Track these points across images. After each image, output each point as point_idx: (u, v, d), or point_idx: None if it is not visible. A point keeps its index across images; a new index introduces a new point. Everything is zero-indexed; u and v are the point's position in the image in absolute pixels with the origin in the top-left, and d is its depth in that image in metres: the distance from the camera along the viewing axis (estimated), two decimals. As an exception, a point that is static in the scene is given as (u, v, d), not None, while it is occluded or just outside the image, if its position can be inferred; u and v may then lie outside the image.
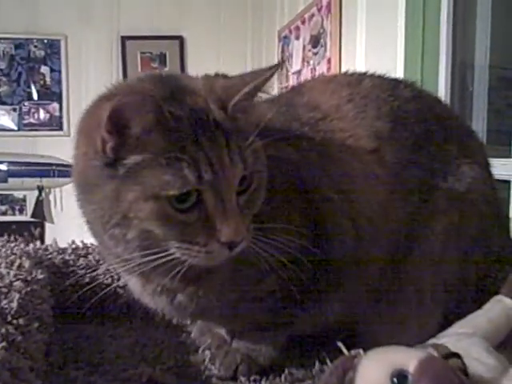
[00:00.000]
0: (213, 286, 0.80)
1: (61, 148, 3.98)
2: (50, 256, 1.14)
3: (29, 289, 0.83)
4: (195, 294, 0.80)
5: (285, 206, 0.83)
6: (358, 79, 1.02)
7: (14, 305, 0.78)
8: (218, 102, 0.74)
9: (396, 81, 1.06)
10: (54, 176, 4.17)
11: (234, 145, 0.71)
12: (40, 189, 4.26)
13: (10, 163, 4.22)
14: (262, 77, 0.77)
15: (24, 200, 4.33)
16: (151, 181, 0.68)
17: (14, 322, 0.74)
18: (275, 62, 4.19)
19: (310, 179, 0.86)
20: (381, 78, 1.05)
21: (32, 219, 4.24)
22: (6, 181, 4.18)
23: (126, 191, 0.68)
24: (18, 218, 4.27)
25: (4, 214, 4.29)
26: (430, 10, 2.36)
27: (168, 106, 0.69)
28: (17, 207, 4.33)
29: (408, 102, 0.98)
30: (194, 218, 0.70)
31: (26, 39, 4.41)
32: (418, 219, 0.91)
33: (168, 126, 0.68)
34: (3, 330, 0.70)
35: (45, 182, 4.24)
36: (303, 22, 3.58)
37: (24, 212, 4.32)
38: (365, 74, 1.05)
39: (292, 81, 3.81)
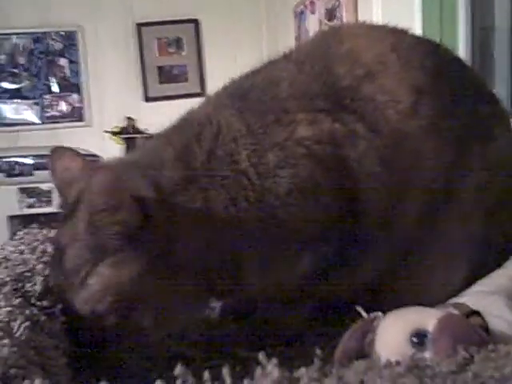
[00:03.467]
0: None
1: (83, 139, 4.03)
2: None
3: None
4: None
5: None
6: (402, 30, 1.03)
7: (38, 287, 0.79)
8: None
9: (436, 43, 1.09)
10: (78, 166, 4.20)
11: None
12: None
13: (35, 156, 4.27)
14: None
15: (50, 192, 4.40)
16: None
17: (38, 303, 0.76)
18: (292, 39, 4.15)
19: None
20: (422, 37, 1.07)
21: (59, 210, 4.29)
22: (32, 174, 4.24)
23: None
24: (46, 209, 4.33)
25: (32, 206, 4.36)
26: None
27: None
28: (44, 199, 4.40)
29: (448, 62, 1.02)
30: None
31: (44, 33, 4.44)
32: (453, 173, 0.91)
33: None
34: (27, 312, 0.71)
35: (70, 172, 4.28)
36: (317, -4, 3.53)
37: (51, 203, 4.38)
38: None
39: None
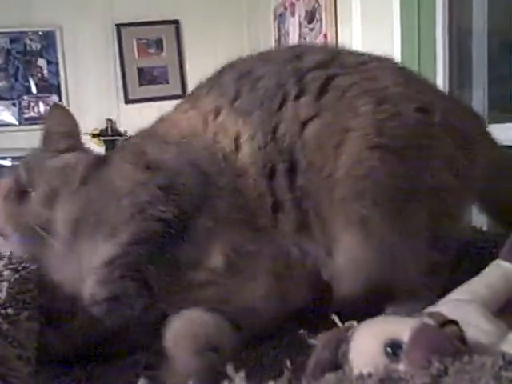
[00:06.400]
0: None
1: (62, 140, 3.97)
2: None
3: (17, 276, 0.82)
4: None
5: None
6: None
7: (2, 294, 0.76)
8: None
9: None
10: (57, 169, 4.15)
11: None
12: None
13: (14, 158, 4.21)
14: None
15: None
16: None
17: (2, 311, 0.73)
18: (272, 41, 4.14)
19: None
20: None
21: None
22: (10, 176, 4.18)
23: None
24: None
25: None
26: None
27: None
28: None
29: None
30: None
31: (21, 32, 4.39)
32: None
33: None
34: (-11, 320, 0.68)
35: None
36: (297, -2, 3.53)
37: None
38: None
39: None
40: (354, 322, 0.63)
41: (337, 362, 0.60)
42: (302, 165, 0.85)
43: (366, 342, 0.59)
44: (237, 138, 0.88)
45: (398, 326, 0.59)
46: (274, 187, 0.86)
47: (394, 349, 0.57)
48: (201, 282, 0.83)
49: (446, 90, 2.23)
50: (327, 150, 0.85)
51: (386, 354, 0.57)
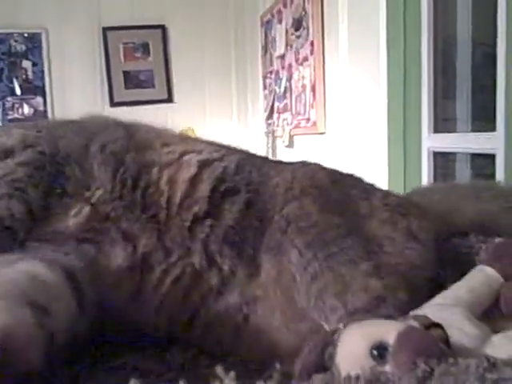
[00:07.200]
0: None
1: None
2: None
3: None
4: None
5: None
6: None
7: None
8: None
9: None
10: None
11: None
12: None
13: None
14: None
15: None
16: None
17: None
18: (259, 47, 4.16)
19: None
20: None
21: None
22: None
23: None
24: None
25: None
26: (411, -13, 2.34)
27: None
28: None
29: None
30: None
31: (7, 34, 4.35)
32: None
33: None
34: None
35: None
36: (285, 5, 3.55)
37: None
38: None
39: (276, 65, 3.79)
40: (341, 325, 0.64)
41: (323, 365, 0.60)
42: None
43: (353, 345, 0.60)
44: None
45: (384, 329, 0.60)
46: None
47: (380, 351, 0.58)
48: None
49: (432, 99, 2.27)
50: None
51: (373, 356, 0.58)
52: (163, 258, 0.86)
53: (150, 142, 0.96)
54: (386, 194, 0.96)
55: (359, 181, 0.99)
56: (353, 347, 0.59)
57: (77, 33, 4.44)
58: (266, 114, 4.09)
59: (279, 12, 3.68)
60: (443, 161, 2.31)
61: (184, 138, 1.06)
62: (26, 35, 4.38)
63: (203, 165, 0.93)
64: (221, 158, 0.96)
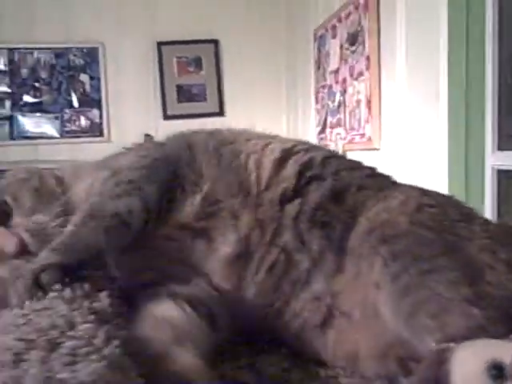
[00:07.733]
0: None
1: (101, 154, 4.02)
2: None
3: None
4: None
5: None
6: None
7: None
8: None
9: None
10: (95, 181, 4.23)
11: None
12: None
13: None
14: None
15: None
16: None
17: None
18: (311, 61, 4.18)
19: None
20: None
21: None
22: (50, 188, 4.26)
23: None
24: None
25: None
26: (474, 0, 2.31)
27: None
28: (62, 213, 4.41)
29: None
30: None
31: (66, 48, 4.50)
32: None
33: None
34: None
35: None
36: (340, 21, 3.57)
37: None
38: None
39: (330, 80, 3.80)
40: (452, 344, 0.65)
41: (439, 382, 0.61)
42: None
43: (469, 364, 0.61)
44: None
45: (500, 348, 0.61)
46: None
47: (498, 370, 0.58)
48: None
49: (496, 114, 2.23)
50: None
51: (491, 375, 0.58)
52: (260, 239, 0.90)
53: (234, 138, 1.02)
54: (486, 220, 0.94)
55: (457, 202, 0.98)
56: (469, 366, 0.60)
57: (132, 47, 4.56)
58: (318, 129, 4.10)
59: (333, 27, 3.70)
60: (508, 179, 2.27)
61: (264, 134, 1.10)
62: (84, 50, 4.52)
63: (288, 153, 0.98)
64: (306, 150, 1.00)
